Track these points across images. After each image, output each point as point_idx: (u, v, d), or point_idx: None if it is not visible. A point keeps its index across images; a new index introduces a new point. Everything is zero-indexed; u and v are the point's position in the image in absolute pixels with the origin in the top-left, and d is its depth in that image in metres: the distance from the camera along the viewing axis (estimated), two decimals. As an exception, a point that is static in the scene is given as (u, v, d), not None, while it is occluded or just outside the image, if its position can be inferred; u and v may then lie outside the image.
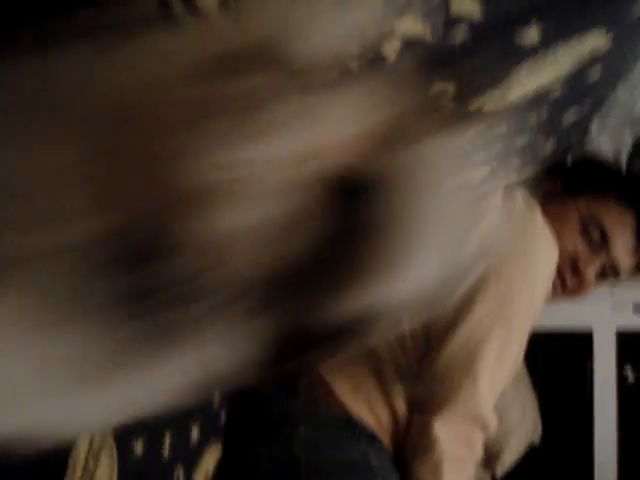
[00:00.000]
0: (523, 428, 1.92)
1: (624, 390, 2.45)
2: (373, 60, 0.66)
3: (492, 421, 1.40)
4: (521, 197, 1.47)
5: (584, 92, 1.10)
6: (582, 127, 1.38)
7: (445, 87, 0.79)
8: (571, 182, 1.58)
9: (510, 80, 0.88)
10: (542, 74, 0.92)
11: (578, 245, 1.51)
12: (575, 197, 1.54)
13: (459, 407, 1.35)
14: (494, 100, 0.90)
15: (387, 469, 1.37)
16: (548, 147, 1.33)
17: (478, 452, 1.43)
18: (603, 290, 1.85)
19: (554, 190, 1.58)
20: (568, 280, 1.55)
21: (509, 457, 1.88)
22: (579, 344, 2.47)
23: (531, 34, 0.78)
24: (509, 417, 1.84)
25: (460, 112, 0.85)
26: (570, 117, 1.19)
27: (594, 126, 1.48)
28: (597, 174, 1.57)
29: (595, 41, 0.91)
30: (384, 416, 1.40)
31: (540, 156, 1.37)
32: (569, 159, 1.59)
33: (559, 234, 1.46)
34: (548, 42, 0.83)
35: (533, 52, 0.85)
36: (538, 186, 1.58)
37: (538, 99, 0.99)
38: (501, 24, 0.74)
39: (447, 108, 0.82)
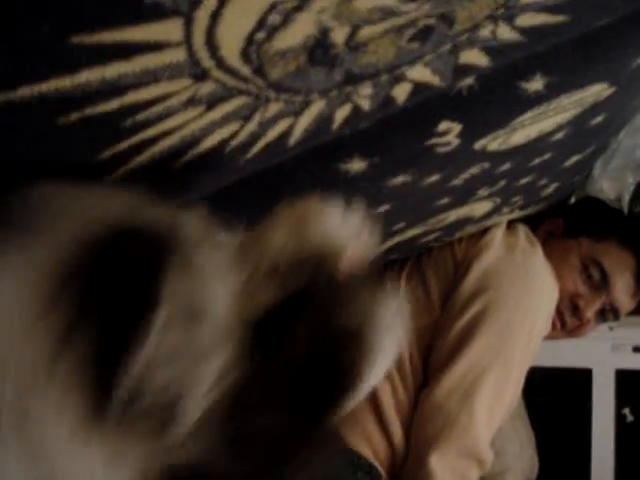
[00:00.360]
0: (520, 465, 1.92)
1: (622, 430, 2.45)
2: (383, 102, 0.69)
3: (489, 457, 1.41)
4: (523, 234, 1.50)
5: (586, 136, 1.12)
6: (584, 169, 1.40)
7: (451, 126, 0.81)
8: (573, 222, 1.60)
9: (514, 124, 0.90)
10: (545, 119, 0.94)
11: (578, 285, 1.53)
12: (577, 237, 1.56)
13: (455, 441, 1.36)
14: (498, 141, 0.93)
15: (384, 501, 1.38)
16: (550, 187, 1.35)
17: (474, 487, 1.44)
18: (603, 331, 1.87)
19: (556, 230, 1.60)
20: (568, 319, 1.57)
21: (505, 494, 1.87)
22: (578, 383, 2.47)
23: (535, 84, 0.81)
24: (506, 454, 1.84)
25: (464, 148, 0.89)
26: (573, 159, 1.22)
27: (596, 169, 1.50)
28: (599, 215, 1.59)
29: (598, 90, 0.94)
30: (382, 449, 1.41)
31: (542, 195, 1.39)
32: (571, 199, 1.61)
33: (560, 273, 1.48)
34: (552, 92, 0.86)
35: (537, 100, 0.88)
36: (540, 225, 1.61)
37: (541, 141, 1.01)
38: (507, 73, 0.77)
39: (453, 144, 0.86)
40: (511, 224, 1.52)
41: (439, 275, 1.48)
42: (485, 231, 1.47)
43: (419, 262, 1.52)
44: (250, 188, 0.82)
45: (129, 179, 0.62)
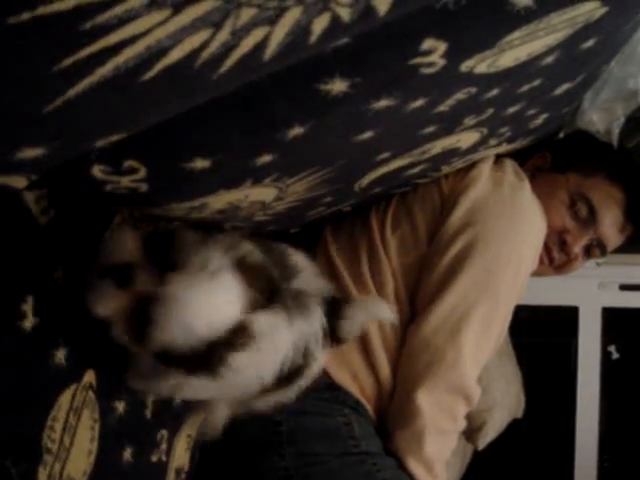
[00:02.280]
0: (507, 402, 1.93)
1: (608, 367, 2.46)
2: (363, 13, 0.65)
3: (476, 393, 1.40)
4: (511, 169, 1.47)
5: (577, 62, 1.09)
6: (574, 99, 1.37)
7: (436, 44, 0.78)
8: (561, 157, 1.57)
9: (502, 43, 0.87)
10: (535, 40, 0.91)
11: (566, 220, 1.51)
12: (565, 172, 1.54)
13: (443, 377, 1.35)
14: (486, 62, 0.89)
15: (369, 438, 1.37)
16: (539, 118, 1.32)
17: (461, 424, 1.44)
18: (590, 268, 1.86)
19: (544, 164, 1.58)
20: (555, 255, 1.55)
21: (492, 431, 1.89)
22: (564, 320, 2.48)
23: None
24: (493, 391, 1.85)
25: (450, 69, 0.85)
26: (563, 87, 1.18)
27: (586, 101, 1.47)
28: (588, 149, 1.56)
29: (589, 9, 0.90)
30: (368, 385, 1.40)
31: (531, 127, 1.36)
32: (560, 133, 1.58)
33: (548, 209, 1.46)
34: (542, 8, 0.82)
35: (527, 17, 0.84)
36: (528, 160, 1.58)
37: (531, 65, 0.98)
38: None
39: (438, 64, 0.82)
40: (498, 159, 1.49)
41: (426, 211, 1.45)
42: (472, 166, 1.45)
43: (405, 199, 1.49)
44: (224, 111, 0.78)
45: (95, 96, 0.59)
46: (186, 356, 0.92)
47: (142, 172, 0.83)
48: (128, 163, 0.81)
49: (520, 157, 1.55)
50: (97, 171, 0.82)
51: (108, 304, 0.94)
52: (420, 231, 1.44)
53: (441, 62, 0.83)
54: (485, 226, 1.39)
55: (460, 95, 0.97)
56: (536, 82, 1.08)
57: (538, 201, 1.44)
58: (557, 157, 1.57)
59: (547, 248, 1.53)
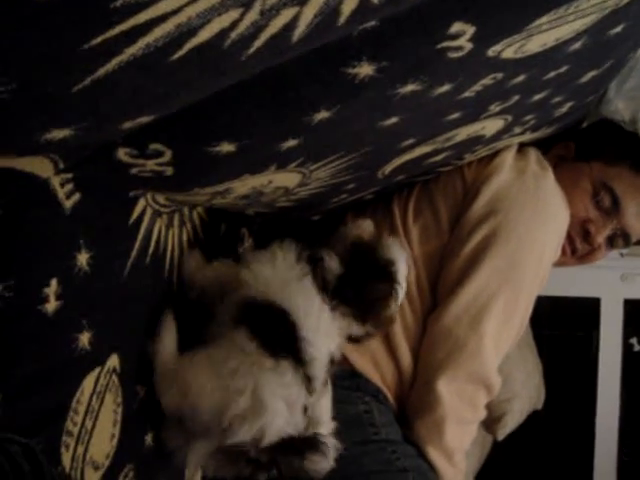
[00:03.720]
0: (527, 393, 1.92)
1: (629, 359, 2.44)
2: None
3: (497, 382, 1.40)
4: (534, 158, 1.46)
5: (605, 48, 1.07)
6: (600, 87, 1.35)
7: (464, 27, 0.77)
8: (585, 146, 1.55)
9: (530, 28, 0.86)
10: (563, 25, 0.90)
11: (589, 210, 1.50)
12: (588, 161, 1.52)
13: (464, 365, 1.34)
14: (513, 47, 0.88)
15: (390, 425, 1.37)
16: (565, 106, 1.31)
17: (481, 413, 1.43)
18: (613, 259, 1.84)
19: (567, 154, 1.56)
20: (578, 245, 1.54)
21: (512, 421, 1.88)
22: (586, 312, 2.46)
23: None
24: (513, 381, 1.84)
25: (477, 54, 0.84)
26: (589, 74, 1.17)
27: (611, 90, 1.45)
28: (612, 138, 1.55)
29: (618, -6, 0.89)
30: (389, 373, 1.40)
31: (556, 115, 1.35)
32: (584, 122, 1.56)
33: (571, 198, 1.45)
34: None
35: (555, 2, 0.83)
36: (551, 149, 1.56)
37: (558, 51, 0.97)
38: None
39: (465, 48, 0.81)
40: (522, 148, 1.48)
41: (448, 199, 1.44)
42: (495, 154, 1.44)
43: (427, 187, 1.48)
44: (251, 95, 0.78)
45: (124, 76, 0.58)
46: None
47: (167, 155, 0.83)
48: (154, 146, 0.81)
49: (543, 146, 1.54)
50: (122, 154, 0.82)
51: None
52: (442, 219, 1.43)
53: (468, 46, 0.82)
54: (508, 215, 1.37)
55: (486, 81, 0.96)
56: (563, 69, 1.07)
57: (561, 191, 1.43)
58: (581, 146, 1.56)
59: (570, 238, 1.51)
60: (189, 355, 1.06)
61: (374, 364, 1.39)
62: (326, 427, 1.09)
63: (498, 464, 2.18)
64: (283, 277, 1.06)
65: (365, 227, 1.25)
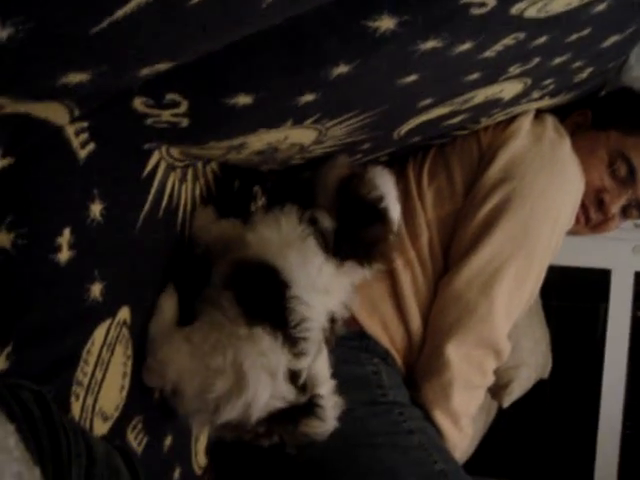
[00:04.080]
0: (534, 361, 1.92)
1: (637, 332, 2.43)
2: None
3: (506, 348, 1.40)
4: (551, 124, 1.44)
5: (629, 11, 1.06)
6: (621, 53, 1.33)
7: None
8: (603, 114, 1.54)
9: (555, -14, 0.84)
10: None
11: (605, 179, 1.49)
12: (606, 130, 1.51)
13: (473, 330, 1.34)
14: (537, 6, 0.87)
15: (397, 388, 1.38)
16: (585, 72, 1.29)
17: (489, 378, 1.44)
18: (625, 230, 1.83)
19: (585, 122, 1.55)
20: (592, 214, 1.53)
21: (518, 389, 1.88)
22: (595, 284, 2.45)
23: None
24: (521, 349, 1.84)
25: (500, 11, 0.83)
26: (611, 39, 1.15)
27: (632, 56, 1.43)
28: (630, 107, 1.53)
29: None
30: (398, 335, 1.40)
31: (575, 81, 1.33)
32: (603, 90, 1.54)
33: (586, 166, 1.44)
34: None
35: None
36: (568, 117, 1.54)
37: (582, 12, 0.95)
38: None
39: (489, 5, 0.80)
40: (539, 114, 1.46)
41: (463, 163, 1.43)
42: (512, 120, 1.42)
43: (443, 151, 1.47)
44: (270, 47, 0.77)
45: (143, 19, 0.57)
46: None
47: (184, 106, 0.82)
48: (170, 96, 0.81)
49: (561, 114, 1.52)
50: (138, 104, 0.81)
51: None
52: (457, 183, 1.42)
53: (492, 2, 0.81)
54: (523, 181, 1.37)
55: (508, 40, 0.95)
56: (585, 31, 1.05)
57: (577, 158, 1.41)
58: (598, 114, 1.54)
59: (584, 207, 1.50)
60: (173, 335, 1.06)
61: (383, 326, 1.39)
62: (326, 387, 1.07)
63: (502, 431, 2.19)
64: (286, 238, 1.05)
65: (341, 164, 1.19)
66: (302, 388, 1.04)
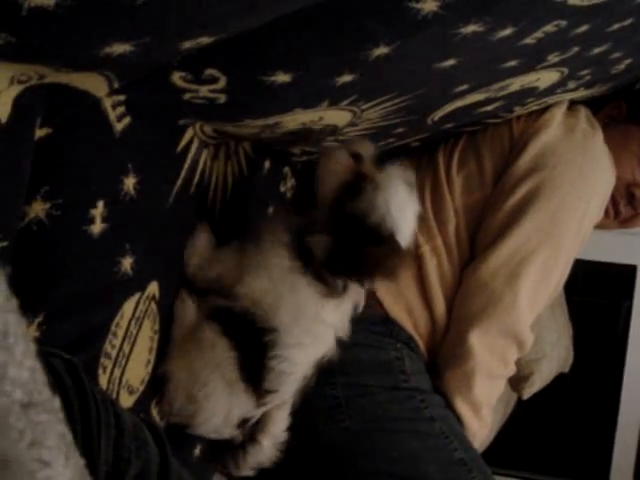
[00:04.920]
0: (556, 355, 1.91)
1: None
2: None
3: (529, 339, 1.39)
4: (584, 116, 1.43)
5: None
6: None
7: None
8: (637, 108, 1.52)
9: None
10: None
11: (636, 173, 1.47)
12: (639, 125, 1.49)
13: (498, 319, 1.34)
14: (581, -8, 0.86)
15: (420, 374, 1.37)
16: (622, 64, 1.27)
17: (511, 369, 1.43)
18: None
19: (618, 115, 1.53)
20: (622, 208, 1.51)
21: (539, 381, 1.87)
22: (620, 280, 2.43)
23: None
24: (543, 342, 1.83)
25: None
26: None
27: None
28: None
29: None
30: (422, 321, 1.39)
31: (612, 72, 1.31)
32: (638, 83, 1.52)
33: (618, 160, 1.42)
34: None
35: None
36: (602, 109, 1.53)
37: (625, 1, 0.94)
38: None
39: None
40: (572, 105, 1.45)
41: (494, 151, 1.42)
42: (545, 110, 1.41)
43: (474, 138, 1.46)
44: (311, 25, 0.76)
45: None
46: None
47: (222, 82, 0.82)
48: (209, 72, 0.80)
49: (594, 106, 1.50)
50: (177, 78, 0.81)
51: None
52: (487, 172, 1.41)
53: (537, -12, 0.80)
54: (553, 172, 1.35)
55: (549, 27, 0.94)
56: (627, 21, 1.04)
57: (609, 151, 1.40)
58: (633, 107, 1.52)
59: (614, 200, 1.49)
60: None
61: (408, 311, 1.39)
62: (269, 439, 1.10)
63: (520, 423, 2.18)
64: (277, 290, 1.01)
65: (338, 163, 1.02)
66: (244, 430, 1.09)
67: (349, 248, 0.99)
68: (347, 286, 1.03)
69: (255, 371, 1.02)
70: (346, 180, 1.00)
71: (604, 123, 1.48)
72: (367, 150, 1.03)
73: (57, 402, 0.45)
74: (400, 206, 1.00)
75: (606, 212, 1.49)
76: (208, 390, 1.02)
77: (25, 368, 0.42)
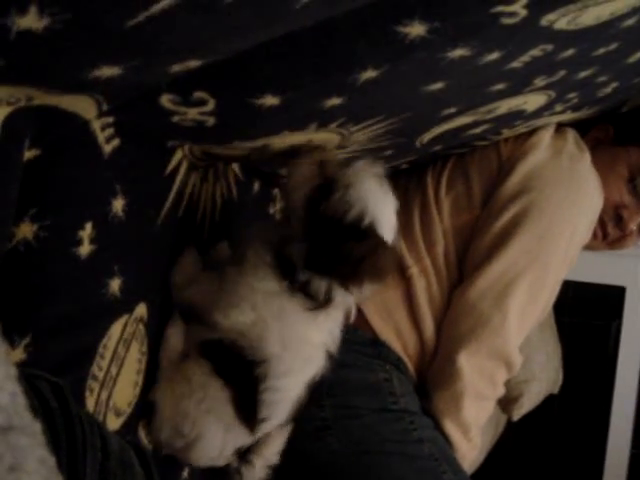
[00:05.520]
0: (545, 376, 1.91)
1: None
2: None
3: (517, 360, 1.39)
4: (572, 139, 1.44)
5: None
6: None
7: (521, -7, 0.76)
8: (624, 131, 1.53)
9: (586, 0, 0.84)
10: (618, -1, 0.88)
11: (624, 195, 1.48)
12: (626, 146, 1.50)
13: (486, 342, 1.34)
14: (567, 18, 0.86)
15: (408, 396, 1.37)
16: (609, 87, 1.28)
17: (500, 390, 1.43)
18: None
19: (605, 137, 1.54)
20: (610, 230, 1.52)
21: (528, 403, 1.87)
22: (608, 301, 2.44)
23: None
24: (532, 363, 1.84)
25: (530, 22, 0.82)
26: (637, 55, 1.14)
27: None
28: None
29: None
30: (411, 343, 1.40)
31: (599, 96, 1.33)
32: (624, 106, 1.54)
33: (606, 182, 1.43)
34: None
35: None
36: (589, 132, 1.54)
37: (611, 26, 0.95)
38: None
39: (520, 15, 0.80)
40: (560, 128, 1.46)
41: (482, 173, 1.43)
42: (532, 132, 1.42)
43: (462, 160, 1.47)
44: (300, 48, 0.77)
45: (179, 14, 0.58)
46: None
47: (211, 105, 0.83)
48: (198, 94, 0.81)
49: (581, 129, 1.51)
50: (166, 100, 0.82)
51: None
52: (475, 193, 1.42)
53: (523, 13, 0.81)
54: (541, 194, 1.36)
55: (535, 52, 0.95)
56: (612, 46, 1.05)
57: (596, 173, 1.41)
58: (620, 130, 1.53)
59: (602, 222, 1.50)
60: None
61: (397, 333, 1.39)
62: (262, 461, 1.09)
63: (510, 444, 2.18)
64: (261, 317, 0.99)
65: (304, 170, 0.99)
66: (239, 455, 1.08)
67: (329, 247, 0.95)
68: (332, 292, 0.98)
69: (249, 407, 1.01)
70: (315, 185, 0.97)
71: (591, 145, 1.49)
72: (330, 155, 1.03)
73: (38, 426, 0.44)
74: (376, 198, 0.96)
75: (594, 234, 1.50)
76: (201, 430, 1.01)
77: (5, 392, 0.41)
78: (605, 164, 1.46)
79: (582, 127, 1.52)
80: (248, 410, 1.01)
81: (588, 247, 1.52)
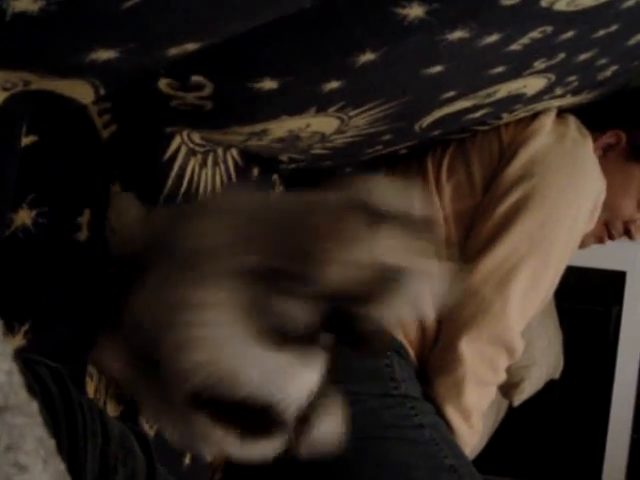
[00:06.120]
0: (546, 361, 1.91)
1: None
2: None
3: (519, 346, 1.39)
4: (574, 124, 1.44)
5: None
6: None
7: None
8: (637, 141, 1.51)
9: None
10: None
11: (634, 213, 1.49)
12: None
13: (488, 327, 1.34)
14: (567, -1, 0.86)
15: (409, 381, 1.37)
16: (609, 70, 1.28)
17: (501, 376, 1.43)
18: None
19: (617, 144, 1.50)
20: (616, 236, 1.55)
21: (529, 388, 1.87)
22: (609, 286, 2.44)
23: None
24: (534, 349, 1.83)
25: (530, 3, 0.82)
26: (638, 37, 1.14)
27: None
28: None
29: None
30: (412, 329, 1.39)
31: (599, 79, 1.32)
32: (625, 89, 1.53)
33: (617, 198, 1.46)
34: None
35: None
36: (601, 136, 1.50)
37: (611, 7, 0.94)
38: None
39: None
40: (561, 113, 1.45)
41: (483, 159, 1.43)
42: (534, 117, 1.42)
43: (463, 146, 1.46)
44: (298, 31, 0.76)
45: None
46: None
47: (208, 89, 0.82)
48: (195, 78, 0.80)
49: (592, 130, 1.48)
50: (163, 85, 0.81)
51: None
52: (476, 179, 1.42)
53: (523, -7, 0.80)
54: (543, 179, 1.36)
55: (535, 34, 0.94)
56: (612, 28, 1.04)
57: (608, 187, 1.40)
58: (633, 140, 1.50)
59: (609, 232, 1.52)
60: None
61: (398, 319, 1.39)
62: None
63: (511, 430, 2.18)
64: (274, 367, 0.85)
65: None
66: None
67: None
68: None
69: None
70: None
71: (602, 150, 1.48)
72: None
73: (35, 405, 0.44)
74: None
75: (600, 238, 1.54)
76: None
77: (1, 371, 0.41)
78: (617, 182, 1.46)
79: (593, 128, 1.49)
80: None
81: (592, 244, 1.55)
